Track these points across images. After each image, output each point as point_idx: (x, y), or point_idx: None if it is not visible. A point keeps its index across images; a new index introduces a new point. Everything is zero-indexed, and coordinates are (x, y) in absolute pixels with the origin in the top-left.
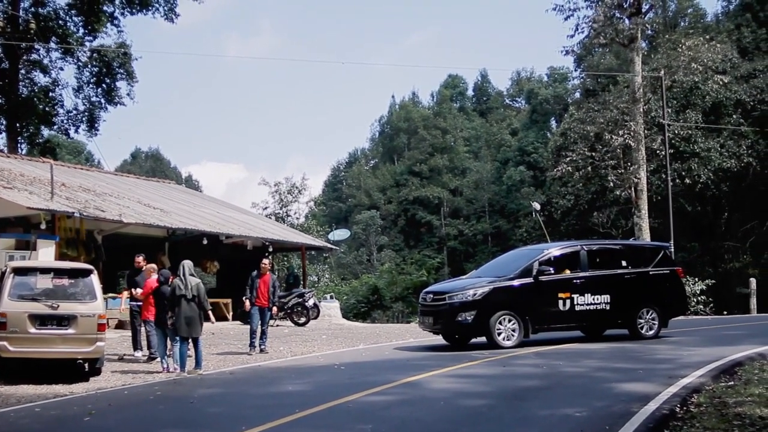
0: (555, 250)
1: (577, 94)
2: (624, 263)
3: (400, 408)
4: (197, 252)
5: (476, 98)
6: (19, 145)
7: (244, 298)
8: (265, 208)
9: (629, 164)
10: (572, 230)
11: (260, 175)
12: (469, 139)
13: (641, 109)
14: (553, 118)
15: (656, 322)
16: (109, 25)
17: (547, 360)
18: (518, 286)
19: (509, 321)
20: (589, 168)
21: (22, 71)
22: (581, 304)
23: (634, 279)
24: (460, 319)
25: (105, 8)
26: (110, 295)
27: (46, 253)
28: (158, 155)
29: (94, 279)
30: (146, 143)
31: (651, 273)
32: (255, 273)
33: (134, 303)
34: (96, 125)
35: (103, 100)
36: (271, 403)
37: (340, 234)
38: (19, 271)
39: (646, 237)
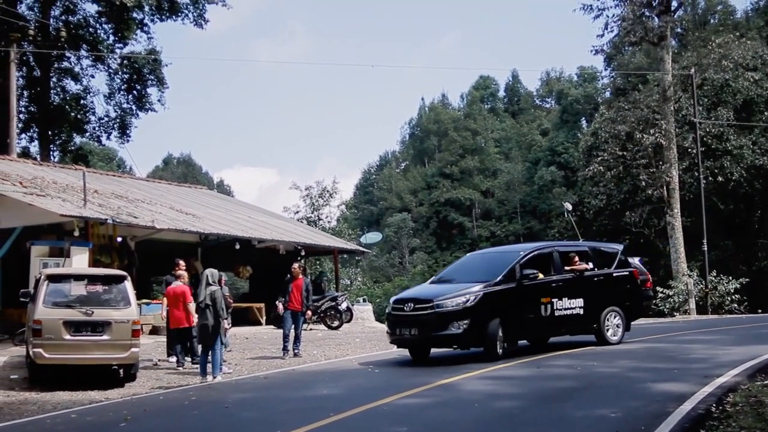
0: (531, 251)
1: (608, 94)
2: (591, 265)
3: (434, 410)
4: (230, 257)
5: (507, 99)
6: (51, 152)
7: (277, 302)
8: (297, 212)
9: (661, 163)
10: (604, 230)
11: (292, 180)
12: (499, 140)
13: (672, 108)
14: (583, 118)
15: (620, 327)
16: (138, 31)
17: (580, 361)
18: (504, 291)
19: (499, 329)
20: (621, 167)
21: (54, 79)
22: (560, 309)
23: (602, 282)
24: (453, 328)
25: (134, 15)
26: (144, 300)
27: (79, 260)
28: (190, 161)
29: (128, 285)
30: (178, 149)
31: (614, 275)
32: (288, 277)
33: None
34: (127, 132)
35: (134, 107)
36: (306, 406)
37: (372, 237)
38: (53, 278)
39: (678, 236)
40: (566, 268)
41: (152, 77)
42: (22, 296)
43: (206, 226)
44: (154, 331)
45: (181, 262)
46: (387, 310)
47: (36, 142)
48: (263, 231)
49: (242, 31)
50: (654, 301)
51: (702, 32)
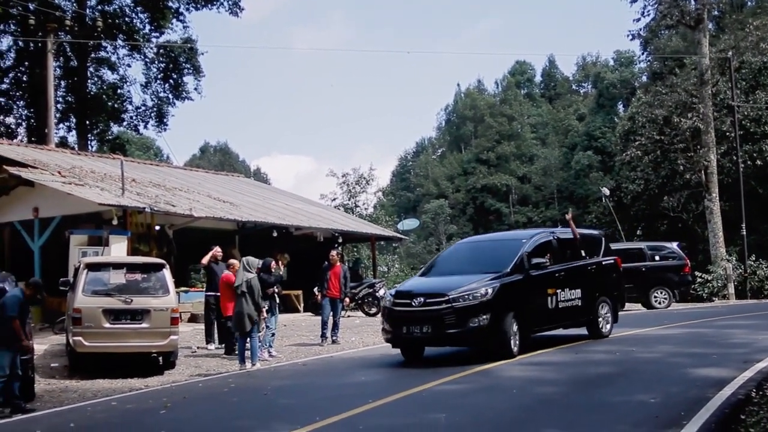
0: (535, 238)
1: (644, 78)
2: (582, 253)
3: (473, 396)
4: (267, 244)
5: (544, 84)
6: (89, 142)
7: (315, 289)
8: (334, 199)
9: (699, 147)
10: (642, 215)
11: (329, 167)
12: (536, 126)
13: (710, 91)
14: (620, 103)
15: (610, 318)
16: (174, 20)
17: (620, 346)
18: (516, 282)
19: (514, 324)
20: (658, 152)
21: (91, 69)
22: (563, 301)
23: (594, 271)
24: (473, 324)
25: (170, 4)
26: (182, 288)
27: (118, 249)
28: (226, 149)
29: (167, 273)
30: (214, 137)
31: (604, 264)
32: (326, 264)
33: (210, 294)
34: (164, 120)
35: (170, 95)
36: (345, 393)
37: (409, 224)
38: (92, 267)
39: (717, 220)
40: None
41: (188, 66)
42: (62, 285)
43: (243, 213)
44: (193, 318)
45: (218, 249)
46: (384, 305)
47: (74, 132)
48: (300, 218)
49: (278, 19)
50: (693, 286)
51: (739, 15)
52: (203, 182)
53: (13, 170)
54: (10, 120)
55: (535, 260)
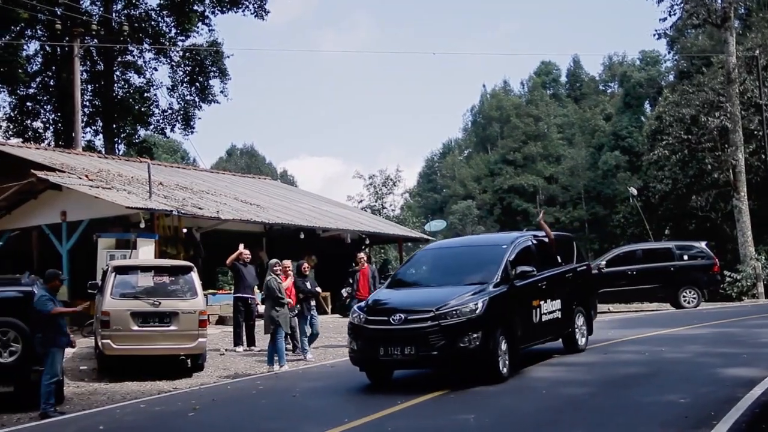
0: (516, 243)
1: (671, 77)
2: (559, 259)
3: (502, 397)
4: (295, 247)
5: (569, 84)
6: (116, 145)
7: (342, 290)
8: (361, 200)
9: (726, 146)
10: (670, 214)
11: (355, 169)
12: (562, 126)
13: (737, 90)
14: (647, 102)
15: (586, 329)
16: (200, 24)
17: (648, 346)
18: (503, 294)
19: (503, 342)
20: (686, 151)
21: (117, 73)
22: (546, 313)
23: (571, 279)
24: (463, 344)
25: (195, 8)
26: (210, 291)
27: (146, 252)
28: (253, 152)
29: (194, 276)
30: (241, 140)
31: (578, 270)
32: (354, 266)
33: (238, 297)
34: (191, 123)
35: (197, 99)
36: (373, 394)
37: (437, 225)
38: (120, 270)
39: (746, 219)
40: None
41: (214, 69)
42: (90, 288)
43: (271, 216)
44: (221, 321)
45: (246, 251)
46: (353, 322)
47: (101, 136)
48: (327, 220)
49: (304, 22)
50: (722, 286)
51: (766, 13)
52: (230, 185)
53: (41, 174)
54: (37, 124)
55: (520, 268)
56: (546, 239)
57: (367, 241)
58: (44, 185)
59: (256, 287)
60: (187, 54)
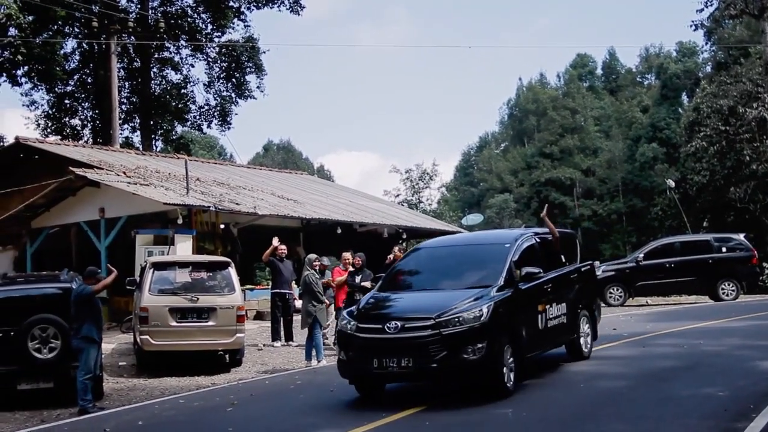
0: (520, 241)
1: (708, 68)
2: (563, 258)
3: (540, 391)
4: (332, 241)
5: (605, 76)
6: (153, 142)
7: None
8: (397, 195)
9: (765, 137)
10: (708, 206)
11: (393, 163)
12: (599, 118)
13: None
14: (684, 94)
15: (590, 335)
16: (235, 20)
17: (686, 339)
18: (509, 299)
19: (509, 351)
20: (724, 142)
21: (154, 69)
22: (551, 318)
23: (575, 280)
24: (467, 355)
25: (231, 3)
26: (248, 286)
27: (183, 248)
28: (290, 147)
29: (232, 271)
30: (278, 135)
31: (583, 270)
32: (391, 260)
33: (276, 292)
34: (228, 119)
35: (233, 94)
36: (410, 389)
37: (473, 219)
38: (158, 266)
39: None
40: None
41: (250, 65)
42: (129, 284)
43: (308, 211)
44: (259, 316)
45: (282, 246)
46: (343, 330)
47: (138, 132)
48: (364, 215)
49: (340, 16)
50: (761, 278)
51: None
52: (267, 180)
53: (79, 171)
54: (75, 121)
55: (526, 270)
56: (550, 237)
57: (404, 236)
58: (82, 182)
59: (293, 282)
60: (223, 50)
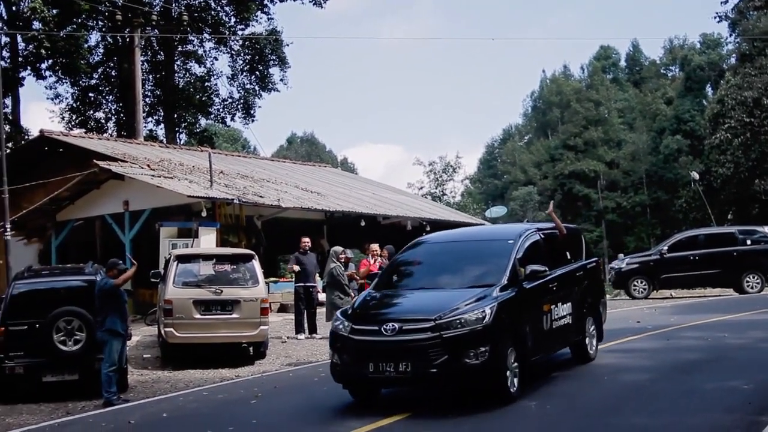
0: (524, 237)
1: (733, 60)
2: (568, 255)
3: (564, 383)
4: (355, 234)
5: (629, 68)
6: (177, 135)
7: None
8: (421, 187)
9: None
10: (733, 199)
11: (417, 155)
12: (623, 111)
13: None
14: (708, 85)
15: (596, 335)
16: (259, 12)
17: (710, 332)
18: (513, 299)
19: (513, 355)
20: (748, 134)
21: (178, 63)
22: (556, 319)
23: (581, 277)
24: (469, 360)
25: None
26: (272, 279)
27: (207, 240)
28: (313, 140)
29: (256, 264)
30: (301, 128)
31: (589, 267)
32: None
33: (300, 285)
34: (251, 112)
35: (257, 87)
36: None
37: (497, 211)
38: (182, 259)
39: None
40: None
41: (274, 57)
42: (153, 277)
43: (331, 203)
44: (283, 309)
45: (305, 239)
46: (336, 331)
47: (162, 125)
48: (388, 207)
49: (363, 10)
50: None
51: None
52: (291, 173)
53: (103, 164)
54: (99, 114)
55: (531, 268)
56: (555, 232)
57: (428, 228)
58: (107, 175)
59: (317, 275)
60: (246, 43)
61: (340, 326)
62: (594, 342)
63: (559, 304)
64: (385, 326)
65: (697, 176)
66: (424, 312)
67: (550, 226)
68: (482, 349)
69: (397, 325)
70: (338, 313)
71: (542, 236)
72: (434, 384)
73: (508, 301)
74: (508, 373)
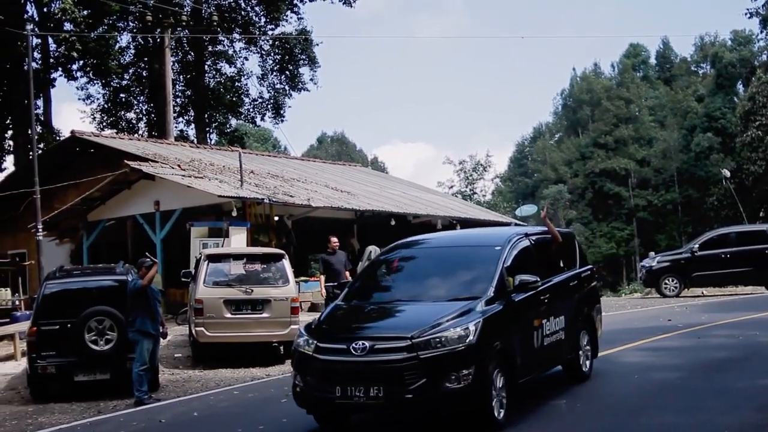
0: (513, 243)
1: (764, 57)
2: (561, 263)
3: (593, 382)
4: (385, 233)
5: (659, 66)
6: (208, 135)
7: None
8: (451, 186)
9: None
10: (765, 197)
11: (447, 154)
12: (653, 108)
13: None
14: (739, 82)
15: (590, 350)
16: (289, 12)
17: (741, 330)
18: (499, 314)
19: (499, 377)
20: None
21: (208, 63)
22: (548, 335)
23: (575, 288)
24: (450, 384)
25: None
26: (302, 278)
27: (238, 240)
28: (343, 139)
29: (286, 263)
30: (331, 127)
31: (583, 276)
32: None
33: (329, 285)
34: (281, 112)
35: (287, 87)
36: None
37: (527, 209)
38: (213, 258)
39: None
40: None
41: (304, 57)
42: (184, 276)
43: (361, 202)
44: (313, 308)
45: (334, 239)
46: (299, 349)
47: (192, 125)
48: (418, 206)
49: (393, 9)
50: None
51: None
52: (321, 172)
53: (134, 164)
54: (130, 115)
55: (520, 278)
56: (547, 237)
57: (458, 227)
58: (138, 175)
59: (348, 273)
60: (276, 43)
61: (304, 344)
62: (589, 356)
63: (552, 318)
64: (354, 344)
65: (728, 174)
66: (399, 328)
67: (542, 230)
68: (465, 371)
69: (367, 344)
70: (302, 328)
71: (533, 242)
72: (410, 411)
73: (495, 316)
74: (494, 398)
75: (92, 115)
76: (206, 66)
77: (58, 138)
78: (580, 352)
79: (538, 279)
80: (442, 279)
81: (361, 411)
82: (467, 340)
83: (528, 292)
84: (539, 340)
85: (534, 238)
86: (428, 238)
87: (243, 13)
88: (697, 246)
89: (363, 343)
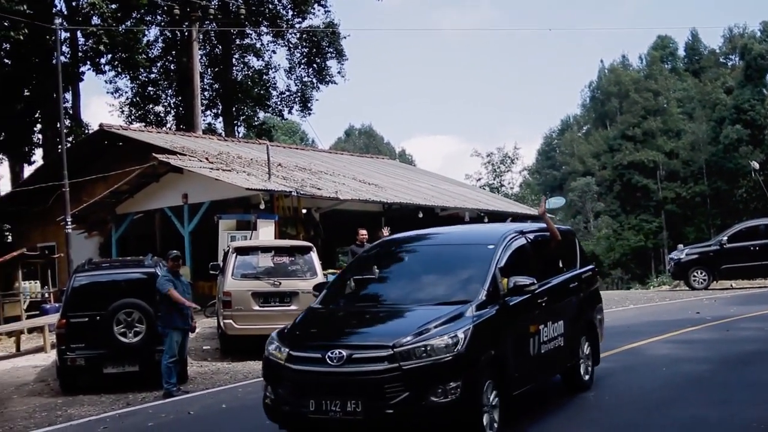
0: (507, 241)
1: None
2: (560, 263)
3: (622, 375)
4: (413, 226)
5: (687, 58)
6: (235, 128)
7: None
8: (479, 179)
9: None
10: None
11: (475, 147)
12: (682, 100)
13: None
14: None
15: (590, 358)
16: (316, 5)
17: None
18: (492, 318)
19: (491, 390)
20: None
21: (236, 56)
22: (546, 342)
23: (575, 290)
24: (436, 399)
25: None
26: (330, 270)
27: (266, 233)
28: (371, 132)
29: (314, 256)
30: (359, 120)
31: (584, 277)
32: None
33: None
34: (309, 105)
35: (314, 80)
36: None
37: (555, 202)
38: (241, 251)
39: None
40: None
41: (331, 50)
42: (212, 269)
43: (389, 195)
44: None
45: (362, 231)
46: (270, 357)
47: (220, 119)
48: (446, 199)
49: (421, 2)
50: None
51: None
52: (348, 165)
53: (162, 158)
54: (159, 108)
55: (515, 280)
56: (545, 234)
57: (486, 220)
58: (166, 168)
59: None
60: (304, 36)
61: (275, 351)
62: (589, 365)
63: (550, 324)
64: (330, 353)
65: (757, 166)
66: (380, 336)
67: (539, 227)
68: (453, 384)
69: (345, 353)
70: (274, 334)
71: (529, 240)
72: (391, 427)
73: (487, 322)
74: (485, 413)
75: (120, 108)
76: (234, 59)
77: (86, 131)
78: (581, 361)
79: (535, 281)
80: (429, 281)
81: (338, 427)
82: (455, 350)
83: (524, 295)
84: (536, 347)
85: (531, 235)
86: (416, 235)
87: (270, 6)
88: (725, 238)
89: (340, 352)
